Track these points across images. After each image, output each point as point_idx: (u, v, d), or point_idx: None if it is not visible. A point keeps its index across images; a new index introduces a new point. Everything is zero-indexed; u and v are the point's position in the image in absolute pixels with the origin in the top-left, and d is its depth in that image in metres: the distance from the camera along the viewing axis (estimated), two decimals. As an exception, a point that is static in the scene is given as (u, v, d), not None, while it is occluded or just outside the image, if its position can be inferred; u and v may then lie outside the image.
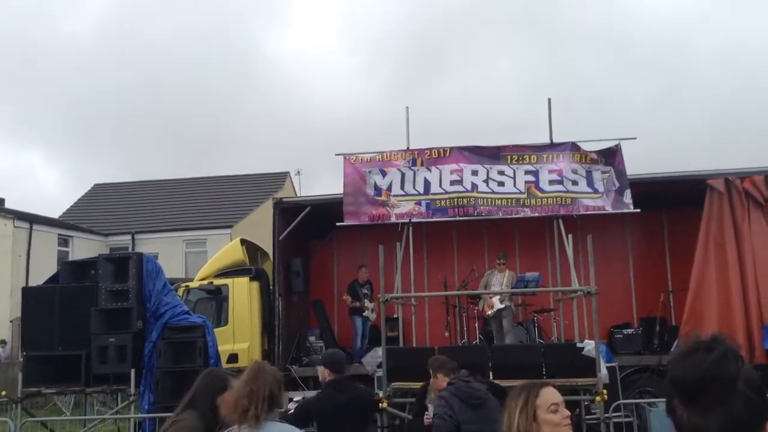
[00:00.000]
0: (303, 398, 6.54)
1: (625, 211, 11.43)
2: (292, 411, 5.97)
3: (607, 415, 8.91)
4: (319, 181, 56.10)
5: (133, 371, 9.53)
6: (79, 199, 31.39)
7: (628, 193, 11.42)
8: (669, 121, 54.87)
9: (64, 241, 24.75)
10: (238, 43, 63.53)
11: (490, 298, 11.56)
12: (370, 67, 68.54)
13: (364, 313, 13.05)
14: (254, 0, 70.45)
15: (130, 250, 23.18)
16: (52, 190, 52.57)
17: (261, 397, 3.38)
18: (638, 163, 11.66)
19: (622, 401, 9.64)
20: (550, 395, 2.78)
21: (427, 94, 62.65)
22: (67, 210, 30.07)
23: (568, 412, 2.77)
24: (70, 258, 21.73)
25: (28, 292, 10.99)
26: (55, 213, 28.61)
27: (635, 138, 11.85)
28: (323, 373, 5.77)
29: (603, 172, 11.65)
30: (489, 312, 11.65)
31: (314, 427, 5.71)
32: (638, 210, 11.38)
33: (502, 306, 11.57)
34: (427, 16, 67.89)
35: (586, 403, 9.46)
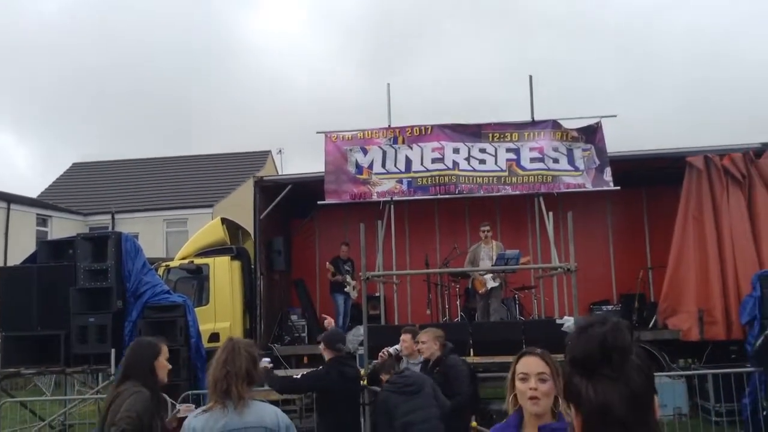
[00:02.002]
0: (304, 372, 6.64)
1: (606, 188, 11.49)
2: (297, 377, 6.08)
3: (586, 390, 8.99)
4: (303, 159, 55.90)
5: (113, 351, 9.47)
6: (57, 179, 30.99)
7: (608, 171, 11.48)
8: (637, 105, 55.32)
9: (42, 221, 24.46)
10: (209, 23, 62.92)
11: (482, 275, 11.51)
12: (342, 49, 68.27)
13: (345, 289, 13.04)
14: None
15: (110, 229, 22.95)
16: (24, 171, 51.86)
17: (239, 377, 3.41)
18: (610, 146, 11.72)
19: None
20: (524, 364, 2.84)
21: (401, 75, 62.58)
22: (46, 189, 29.69)
23: (535, 384, 2.76)
24: (49, 238, 21.50)
25: (4, 272, 10.89)
26: (30, 195, 28.23)
27: (615, 116, 11.93)
28: (325, 351, 6.07)
29: (584, 150, 11.69)
30: (481, 290, 11.62)
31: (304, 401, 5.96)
32: (618, 188, 11.45)
33: (495, 284, 11.53)
34: (392, 4, 67.71)
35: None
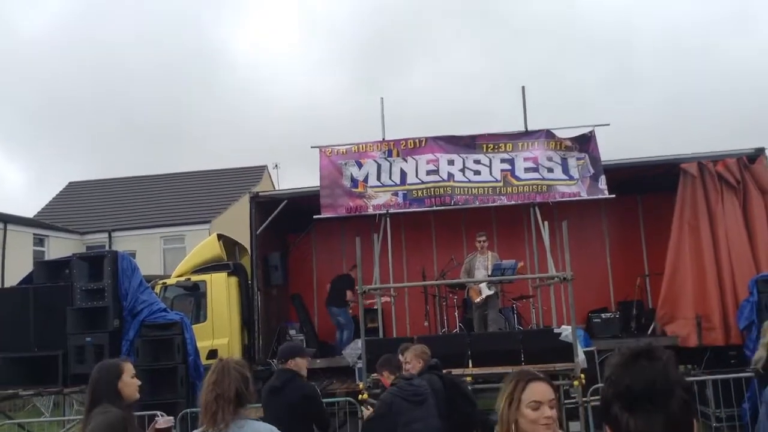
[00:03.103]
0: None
1: (601, 197, 11.53)
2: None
3: (585, 398, 8.97)
4: (299, 173, 55.97)
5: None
6: (54, 198, 30.96)
7: (602, 179, 11.52)
8: (621, 105, 55.77)
9: (39, 241, 24.41)
10: (198, 40, 63.21)
11: (477, 284, 11.52)
12: (332, 63, 68.61)
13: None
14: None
15: (107, 248, 22.93)
16: (16, 191, 51.77)
17: (227, 399, 3.41)
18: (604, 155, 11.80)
19: (600, 385, 9.71)
20: (535, 391, 2.72)
21: (392, 87, 62.97)
22: (42, 209, 29.66)
23: (550, 412, 2.68)
24: (47, 257, 21.45)
25: (1, 293, 10.87)
26: (26, 214, 28.18)
27: (609, 124, 11.98)
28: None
29: (578, 159, 11.73)
30: (477, 299, 11.63)
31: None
32: (613, 196, 11.48)
33: (491, 292, 11.54)
34: (381, 11, 68.26)
35: (565, 387, 9.52)
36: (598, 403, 9.60)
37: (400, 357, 6.50)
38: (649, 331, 11.92)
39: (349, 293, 12.83)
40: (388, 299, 12.16)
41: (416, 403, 5.49)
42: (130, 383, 3.96)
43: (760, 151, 11.66)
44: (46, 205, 30.17)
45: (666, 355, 1.75)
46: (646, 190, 13.52)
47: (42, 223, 25.86)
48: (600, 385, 9.68)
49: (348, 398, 9.12)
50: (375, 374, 7.33)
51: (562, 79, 59.86)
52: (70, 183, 32.19)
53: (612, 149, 11.73)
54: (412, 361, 6.31)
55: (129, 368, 4.01)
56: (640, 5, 64.11)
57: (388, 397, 5.61)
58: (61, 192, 31.46)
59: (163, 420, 4.21)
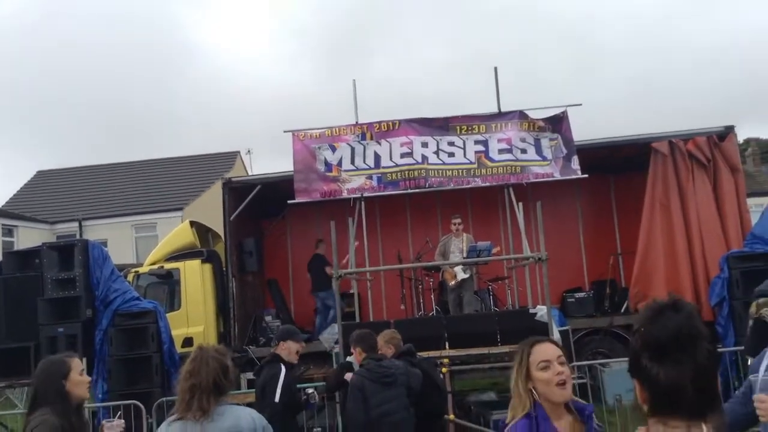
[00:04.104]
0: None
1: (573, 177, 11.58)
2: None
3: (561, 377, 9.06)
4: (272, 159, 55.65)
5: (84, 360, 9.30)
6: (22, 187, 30.40)
7: (575, 159, 11.58)
8: (586, 93, 56.37)
9: (8, 231, 24.01)
10: (164, 26, 62.29)
11: (452, 267, 11.54)
12: (302, 48, 68.28)
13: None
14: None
15: (77, 237, 22.59)
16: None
17: (205, 389, 3.32)
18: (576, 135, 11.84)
19: (575, 363, 9.81)
20: (541, 352, 2.72)
21: (362, 71, 62.88)
22: (10, 199, 29.12)
23: (561, 368, 2.68)
24: (16, 248, 21.11)
25: (-30, 286, 10.63)
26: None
27: (581, 104, 12.03)
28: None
29: (551, 140, 11.77)
30: (452, 282, 11.66)
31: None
32: (586, 176, 11.54)
33: (466, 275, 11.57)
34: (347, 2, 67.94)
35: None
36: (574, 381, 9.76)
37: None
38: (623, 310, 12.06)
39: (328, 269, 12.74)
40: (365, 282, 12.14)
41: (386, 384, 5.52)
42: (78, 382, 3.63)
43: (730, 129, 11.79)
44: (15, 195, 29.62)
45: (690, 307, 1.83)
46: (619, 170, 13.62)
47: (11, 213, 25.41)
48: (575, 363, 9.80)
49: (324, 383, 9.10)
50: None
51: (532, 61, 60.24)
52: (38, 172, 31.62)
53: (580, 126, 11.78)
54: (382, 348, 6.27)
55: (77, 365, 3.68)
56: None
57: (358, 380, 5.62)
58: (29, 181, 30.90)
59: (111, 424, 3.98)
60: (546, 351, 2.72)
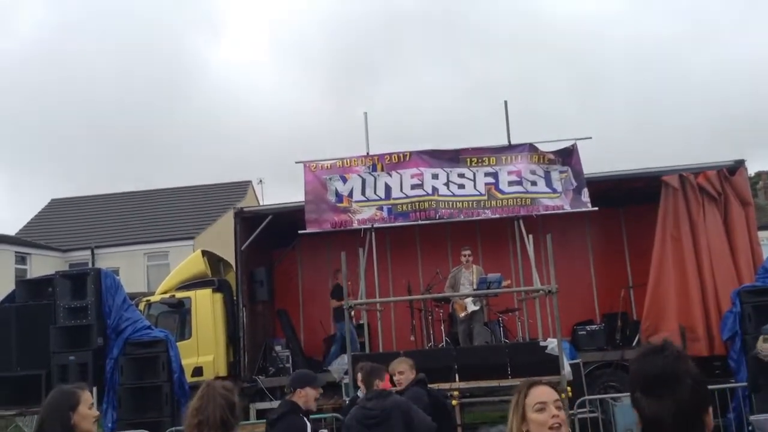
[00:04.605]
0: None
1: (584, 209, 11.60)
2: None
3: (572, 411, 9.00)
4: (284, 188, 55.95)
5: (95, 389, 9.34)
6: (36, 215, 30.69)
7: (585, 192, 11.61)
8: (591, 119, 56.62)
9: (21, 259, 24.20)
10: (168, 53, 63.17)
11: (462, 299, 11.54)
12: (307, 78, 69.07)
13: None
14: (186, 13, 70.50)
15: (90, 265, 22.74)
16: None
17: (212, 426, 3.32)
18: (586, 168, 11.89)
19: (587, 397, 9.77)
20: (537, 394, 2.70)
21: (369, 101, 63.48)
22: (24, 226, 29.38)
23: (557, 412, 2.66)
24: (29, 276, 21.27)
25: (-17, 313, 10.71)
26: (7, 232, 27.89)
27: (591, 137, 12.07)
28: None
29: (561, 172, 11.82)
30: (462, 314, 11.64)
31: None
32: (596, 208, 11.56)
33: (476, 308, 11.55)
34: (352, 32, 68.93)
35: (551, 400, 9.54)
36: (584, 415, 9.67)
37: (396, 369, 6.35)
38: (634, 343, 11.98)
39: (333, 301, 12.70)
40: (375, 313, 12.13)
41: (368, 427, 5.31)
42: (86, 416, 3.54)
43: (740, 162, 11.81)
44: (29, 223, 29.89)
45: (675, 349, 2.10)
46: (628, 203, 13.63)
47: (24, 240, 25.63)
48: (587, 397, 9.75)
49: (335, 414, 9.08)
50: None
51: (534, 90, 60.65)
52: (52, 200, 31.94)
53: (589, 158, 11.84)
54: (406, 372, 6.22)
55: (87, 398, 3.60)
56: (605, 20, 65.26)
57: (348, 420, 5.51)
58: (43, 209, 31.20)
59: None
60: (543, 393, 2.69)
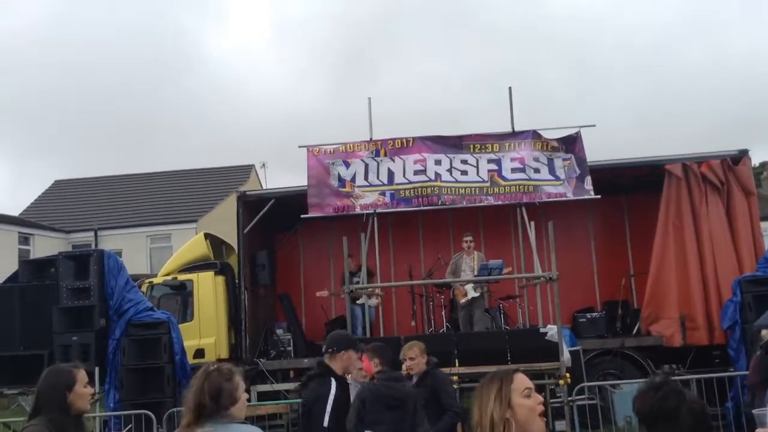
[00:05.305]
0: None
1: (586, 197, 11.60)
2: None
3: (570, 398, 9.06)
4: (287, 173, 55.98)
5: (97, 369, 9.42)
6: (39, 196, 30.76)
7: (588, 180, 11.60)
8: (591, 111, 56.52)
9: (24, 240, 24.30)
10: (172, 37, 63.03)
11: (463, 285, 11.56)
12: (312, 63, 68.94)
13: (357, 301, 12.57)
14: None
15: (93, 246, 22.80)
16: None
17: (187, 409, 3.21)
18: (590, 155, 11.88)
19: (585, 384, 9.81)
20: (523, 380, 2.67)
21: (372, 87, 63.38)
22: (28, 207, 29.47)
23: (540, 398, 2.68)
24: (32, 256, 21.35)
25: (-14, 293, 10.78)
26: (11, 212, 27.97)
27: (594, 125, 12.06)
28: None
29: (564, 160, 11.81)
30: (462, 300, 11.68)
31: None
32: (599, 196, 11.56)
33: (477, 294, 11.59)
34: (354, 20, 68.73)
35: (550, 386, 9.60)
36: (583, 402, 9.72)
37: (407, 355, 6.28)
38: (634, 331, 12.01)
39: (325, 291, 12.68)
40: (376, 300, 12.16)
41: (389, 407, 5.25)
42: (82, 394, 3.60)
43: (744, 152, 11.78)
44: (32, 204, 29.97)
45: (667, 387, 2.41)
46: (632, 191, 13.62)
47: (27, 221, 25.72)
48: (585, 384, 9.79)
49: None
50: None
51: (532, 79, 60.54)
52: (56, 181, 32.00)
53: (592, 146, 11.83)
54: (417, 357, 6.15)
55: (83, 376, 3.65)
56: (597, 13, 64.96)
57: (365, 393, 5.41)
58: (46, 190, 31.27)
59: None
60: (526, 380, 2.67)
